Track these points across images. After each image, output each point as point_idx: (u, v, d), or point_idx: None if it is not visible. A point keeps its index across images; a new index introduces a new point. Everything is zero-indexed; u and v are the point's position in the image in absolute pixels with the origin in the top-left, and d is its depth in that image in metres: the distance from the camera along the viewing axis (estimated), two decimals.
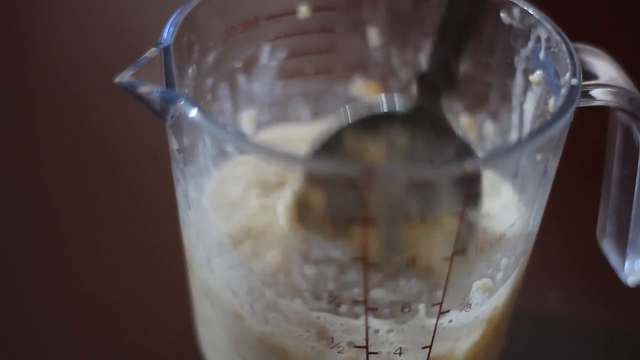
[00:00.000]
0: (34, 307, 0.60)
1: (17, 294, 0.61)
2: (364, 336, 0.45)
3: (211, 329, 0.51)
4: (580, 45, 0.48)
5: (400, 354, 0.46)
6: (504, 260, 0.46)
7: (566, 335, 0.59)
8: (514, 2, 0.50)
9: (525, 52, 0.49)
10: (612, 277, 0.52)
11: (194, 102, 0.43)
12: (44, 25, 0.82)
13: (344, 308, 0.45)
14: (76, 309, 0.60)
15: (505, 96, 0.52)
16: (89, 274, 0.62)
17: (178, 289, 0.55)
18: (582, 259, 0.63)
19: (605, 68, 0.48)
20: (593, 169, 0.54)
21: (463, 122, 0.55)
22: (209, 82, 0.52)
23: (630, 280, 0.52)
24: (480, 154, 0.53)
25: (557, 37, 0.47)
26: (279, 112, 0.56)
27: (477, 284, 0.46)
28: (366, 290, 0.44)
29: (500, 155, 0.47)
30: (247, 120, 0.56)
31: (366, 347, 0.45)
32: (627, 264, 0.52)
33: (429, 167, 0.46)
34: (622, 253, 0.52)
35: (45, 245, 0.63)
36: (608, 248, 0.53)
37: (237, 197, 0.51)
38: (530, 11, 0.49)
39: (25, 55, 0.79)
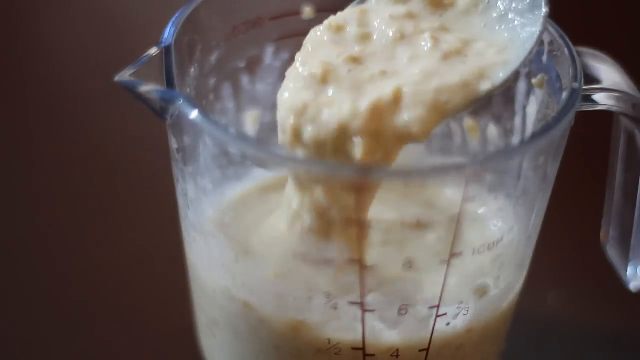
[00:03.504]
0: (35, 306, 0.60)
1: (18, 293, 0.61)
2: (360, 338, 0.45)
3: (212, 329, 0.51)
4: (585, 49, 0.48)
5: (397, 356, 0.46)
6: (503, 264, 0.46)
7: (567, 337, 0.59)
8: None
9: (528, 55, 0.49)
10: (613, 279, 0.52)
11: (194, 102, 0.44)
12: (43, 25, 0.83)
13: (340, 310, 0.45)
14: (76, 308, 0.60)
15: (509, 99, 0.52)
16: (89, 273, 0.62)
17: (178, 288, 0.55)
18: (583, 261, 0.63)
19: (609, 72, 0.48)
20: (597, 172, 0.54)
21: (467, 125, 0.55)
22: (212, 82, 0.52)
23: (633, 285, 0.52)
24: (481, 156, 0.53)
25: (560, 41, 0.47)
26: None
27: (475, 288, 0.46)
28: (363, 292, 0.44)
29: (498, 158, 0.47)
30: (250, 120, 0.56)
31: (363, 349, 0.45)
32: (629, 269, 0.52)
33: (428, 169, 0.47)
34: (625, 258, 0.52)
35: (45, 245, 0.64)
36: (612, 253, 0.53)
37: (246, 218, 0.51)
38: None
39: (24, 54, 0.79)
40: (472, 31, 0.45)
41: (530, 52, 0.44)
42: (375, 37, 0.45)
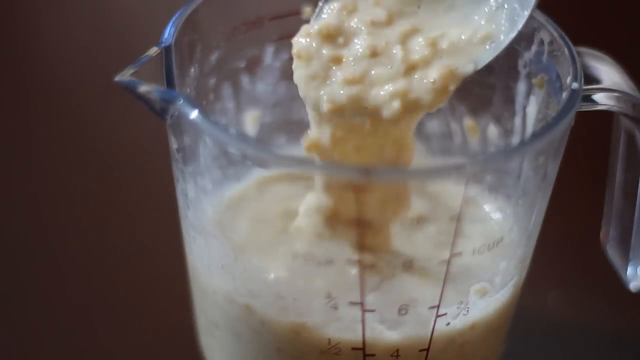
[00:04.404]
0: (34, 307, 0.60)
1: (18, 293, 0.61)
2: (360, 338, 0.45)
3: (212, 330, 0.51)
4: (585, 49, 0.48)
5: (397, 356, 0.46)
6: (503, 264, 0.46)
7: (567, 337, 0.59)
8: None
9: (528, 55, 0.49)
10: (613, 279, 0.52)
11: (194, 102, 0.44)
12: (43, 25, 0.83)
13: (340, 310, 0.45)
14: (76, 308, 0.60)
15: (509, 99, 0.52)
16: (89, 273, 0.62)
17: (178, 288, 0.55)
18: (583, 261, 0.63)
19: (609, 72, 0.48)
20: (597, 172, 0.54)
21: (467, 125, 0.55)
22: (212, 82, 0.52)
23: (633, 285, 0.52)
24: (481, 156, 0.53)
25: (560, 41, 0.47)
26: (282, 113, 0.56)
27: (475, 288, 0.46)
28: (363, 292, 0.44)
29: (498, 158, 0.47)
30: (250, 120, 0.56)
31: (363, 349, 0.45)
32: (629, 269, 0.52)
33: (428, 169, 0.47)
34: (625, 258, 0.52)
35: (45, 245, 0.64)
36: (612, 253, 0.53)
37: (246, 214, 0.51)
38: (534, 15, 0.49)
39: (24, 54, 0.79)
40: (453, 13, 0.45)
41: (532, 12, 0.45)
42: (345, 54, 0.45)
